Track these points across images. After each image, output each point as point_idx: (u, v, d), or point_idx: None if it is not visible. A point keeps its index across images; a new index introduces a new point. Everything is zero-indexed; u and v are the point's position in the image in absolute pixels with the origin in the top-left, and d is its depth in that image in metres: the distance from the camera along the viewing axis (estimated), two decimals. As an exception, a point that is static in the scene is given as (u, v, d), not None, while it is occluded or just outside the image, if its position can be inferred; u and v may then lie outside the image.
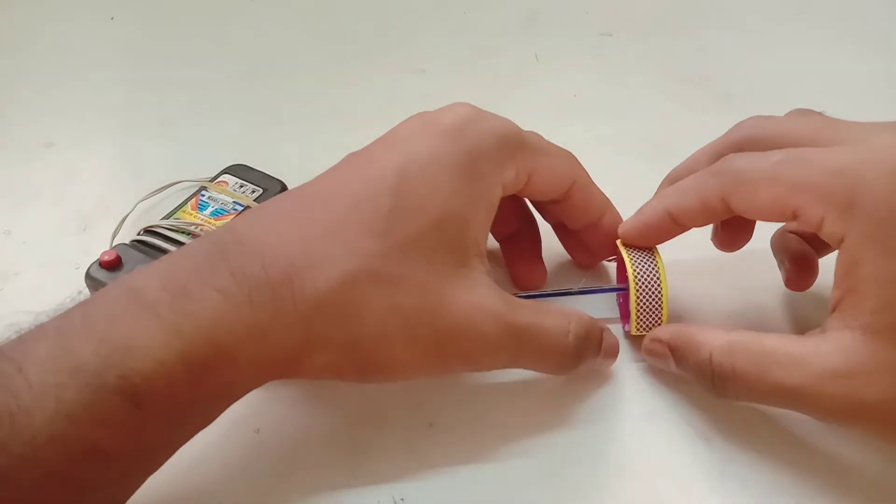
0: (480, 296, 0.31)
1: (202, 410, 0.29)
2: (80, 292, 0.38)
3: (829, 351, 0.29)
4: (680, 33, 0.58)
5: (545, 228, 0.40)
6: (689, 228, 0.34)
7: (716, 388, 0.31)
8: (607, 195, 0.37)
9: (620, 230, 0.36)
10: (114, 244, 0.40)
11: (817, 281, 0.37)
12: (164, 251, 0.38)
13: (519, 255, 0.40)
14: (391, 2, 0.62)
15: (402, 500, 0.31)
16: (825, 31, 0.58)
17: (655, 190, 0.37)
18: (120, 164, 0.48)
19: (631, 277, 0.34)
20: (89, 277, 0.38)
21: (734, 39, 0.57)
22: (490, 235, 0.35)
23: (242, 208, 0.41)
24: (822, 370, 0.29)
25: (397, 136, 0.33)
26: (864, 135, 0.31)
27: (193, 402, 0.28)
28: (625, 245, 0.36)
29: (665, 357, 0.34)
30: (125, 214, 0.43)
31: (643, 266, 0.35)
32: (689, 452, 0.33)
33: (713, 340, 0.31)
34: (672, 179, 0.37)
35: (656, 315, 0.35)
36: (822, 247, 0.37)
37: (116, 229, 0.42)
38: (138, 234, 0.40)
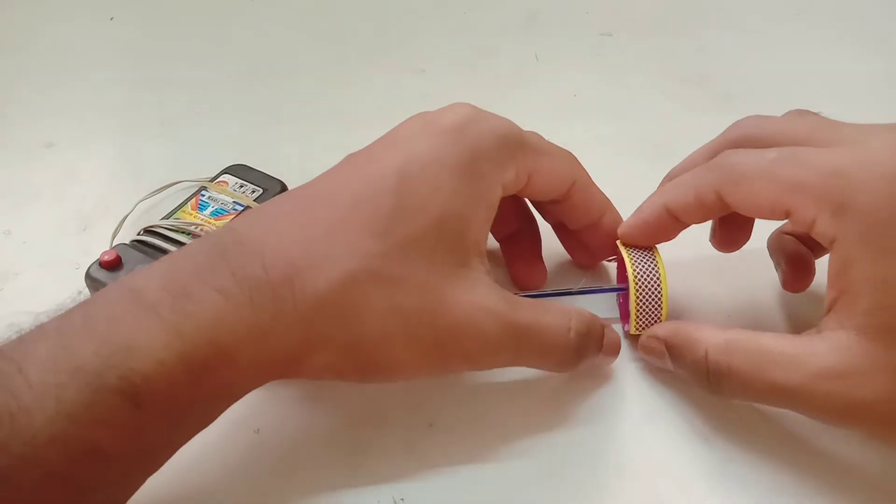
0: (481, 295, 0.31)
1: (202, 411, 0.29)
2: (80, 292, 0.38)
3: (824, 351, 0.29)
4: (680, 33, 0.58)
5: (545, 228, 0.40)
6: (688, 225, 0.34)
7: (711, 386, 0.32)
8: (607, 195, 0.37)
9: (620, 230, 0.36)
10: (114, 244, 0.40)
11: (815, 280, 0.37)
12: (164, 251, 0.38)
13: (519, 255, 0.40)
14: (391, 2, 0.61)
15: (402, 500, 0.31)
16: (825, 31, 0.58)
17: (655, 190, 0.37)
18: (120, 164, 0.48)
19: (631, 277, 0.34)
20: (89, 277, 0.38)
21: (734, 39, 0.57)
22: (490, 235, 0.35)
23: (242, 208, 0.41)
24: (817, 370, 0.29)
25: (397, 137, 0.33)
26: (861, 136, 0.31)
27: (194, 403, 0.28)
28: (625, 245, 0.36)
29: (661, 354, 0.34)
30: (125, 214, 0.43)
31: (643, 266, 0.35)
32: (689, 452, 0.33)
33: (710, 338, 0.32)
34: (671, 178, 0.37)
35: (656, 315, 0.35)
36: (818, 247, 0.37)
37: (116, 229, 0.42)
38: (138, 234, 0.40)
